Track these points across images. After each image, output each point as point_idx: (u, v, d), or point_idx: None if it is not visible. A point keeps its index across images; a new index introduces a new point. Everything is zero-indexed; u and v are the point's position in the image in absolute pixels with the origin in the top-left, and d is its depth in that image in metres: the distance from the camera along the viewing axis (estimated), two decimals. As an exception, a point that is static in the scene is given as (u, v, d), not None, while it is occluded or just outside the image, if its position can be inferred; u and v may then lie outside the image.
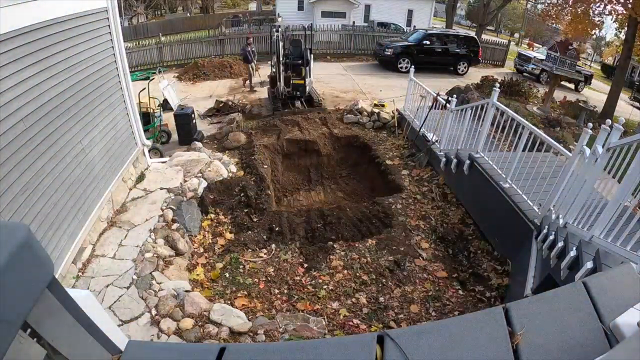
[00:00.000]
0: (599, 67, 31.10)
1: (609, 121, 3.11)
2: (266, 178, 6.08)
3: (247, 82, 11.13)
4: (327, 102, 9.44)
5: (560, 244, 3.16)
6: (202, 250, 4.38)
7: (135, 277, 3.60)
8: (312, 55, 8.73)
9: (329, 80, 12.37)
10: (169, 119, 8.12)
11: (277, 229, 4.76)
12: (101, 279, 3.55)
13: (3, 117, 2.79)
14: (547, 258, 3.40)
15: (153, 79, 8.82)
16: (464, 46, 14.38)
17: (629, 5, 10.63)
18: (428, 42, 13.88)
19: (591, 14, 12.57)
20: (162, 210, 4.55)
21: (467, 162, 5.05)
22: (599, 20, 12.96)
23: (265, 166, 6.49)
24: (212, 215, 4.93)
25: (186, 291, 3.55)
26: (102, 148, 4.29)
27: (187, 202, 4.82)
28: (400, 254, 4.33)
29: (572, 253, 2.94)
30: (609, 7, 12.13)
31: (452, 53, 14.18)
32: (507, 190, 4.27)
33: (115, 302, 3.33)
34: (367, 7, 22.01)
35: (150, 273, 3.67)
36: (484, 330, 0.71)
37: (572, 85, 15.64)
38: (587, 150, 3.22)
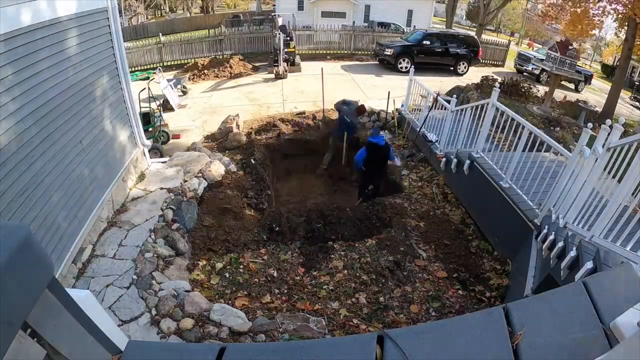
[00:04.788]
0: (599, 67, 31.10)
1: (609, 121, 3.11)
2: (266, 178, 6.08)
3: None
4: (326, 102, 9.44)
5: (560, 244, 3.16)
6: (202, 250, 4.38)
7: (135, 277, 3.60)
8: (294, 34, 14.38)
9: (329, 80, 12.36)
10: (169, 119, 8.14)
11: (277, 229, 4.75)
12: (101, 279, 3.55)
13: (3, 117, 2.79)
14: (547, 258, 3.40)
15: (153, 78, 8.83)
16: (464, 46, 14.37)
17: (629, 6, 10.62)
18: (428, 42, 13.88)
19: (591, 13, 12.55)
20: (162, 210, 4.55)
21: (467, 162, 5.05)
22: (598, 20, 12.96)
23: (265, 166, 6.49)
24: (212, 215, 4.93)
25: (186, 291, 3.55)
26: (102, 148, 4.29)
27: (187, 202, 4.82)
28: (400, 254, 4.33)
29: (572, 253, 2.94)
30: (609, 8, 12.12)
31: (452, 53, 14.18)
32: (507, 190, 4.27)
33: (115, 302, 3.33)
34: (367, 7, 22.02)
35: (150, 273, 3.67)
36: (484, 330, 0.71)
37: (572, 85, 15.64)
38: (587, 150, 3.22)
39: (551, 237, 3.36)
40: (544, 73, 14.42)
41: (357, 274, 4.06)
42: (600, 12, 12.34)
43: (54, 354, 0.62)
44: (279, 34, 11.90)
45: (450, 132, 5.99)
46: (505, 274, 4.08)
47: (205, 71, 12.41)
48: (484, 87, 10.47)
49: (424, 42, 13.85)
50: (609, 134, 2.99)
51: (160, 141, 7.15)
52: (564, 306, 0.75)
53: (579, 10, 12.49)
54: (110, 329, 0.80)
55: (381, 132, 7.54)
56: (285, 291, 3.83)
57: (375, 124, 8.28)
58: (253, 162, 6.24)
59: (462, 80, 12.71)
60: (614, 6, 11.94)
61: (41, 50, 3.24)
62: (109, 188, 4.38)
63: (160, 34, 16.22)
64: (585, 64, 26.24)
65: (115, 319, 3.14)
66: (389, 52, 13.83)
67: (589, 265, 2.70)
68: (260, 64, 13.93)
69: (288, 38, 13.08)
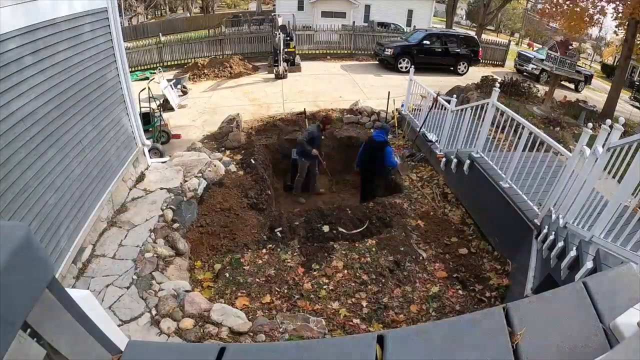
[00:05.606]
0: (599, 67, 31.10)
1: (609, 121, 3.11)
2: (266, 178, 6.08)
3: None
4: (326, 102, 9.45)
5: (560, 244, 3.17)
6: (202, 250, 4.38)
7: (135, 277, 3.60)
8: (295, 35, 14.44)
9: (329, 80, 12.37)
10: (169, 119, 8.13)
11: (277, 229, 4.75)
12: (101, 279, 3.55)
13: (3, 117, 2.79)
14: (547, 258, 3.41)
15: (153, 78, 8.83)
16: (464, 46, 14.37)
17: (629, 2, 10.58)
18: (428, 42, 13.88)
19: (590, 12, 12.50)
20: (162, 210, 4.55)
21: (467, 162, 5.05)
22: (597, 19, 12.91)
23: (265, 166, 6.49)
24: (212, 215, 4.92)
25: (186, 291, 3.55)
26: (102, 148, 4.29)
27: (187, 202, 4.82)
28: (400, 254, 4.33)
29: (572, 253, 2.94)
30: (609, 8, 12.09)
31: (452, 53, 14.17)
32: (507, 190, 4.27)
33: (115, 302, 3.33)
34: (367, 7, 21.99)
35: (150, 273, 3.67)
36: (484, 331, 0.71)
37: (572, 85, 15.65)
38: (587, 150, 3.22)
39: (551, 237, 3.36)
40: (544, 73, 14.42)
41: (357, 274, 4.06)
42: (598, 10, 12.30)
43: (54, 354, 0.62)
44: (279, 34, 11.91)
45: (450, 132, 5.99)
46: (505, 274, 4.08)
47: (205, 71, 12.42)
48: (484, 87, 10.47)
49: (424, 42, 13.85)
50: (609, 134, 2.99)
51: (160, 141, 7.14)
52: (564, 306, 0.75)
53: (577, 9, 12.44)
54: (110, 329, 0.80)
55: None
56: (285, 291, 3.83)
57: (375, 124, 8.28)
58: (253, 162, 6.24)
59: (462, 80, 12.70)
60: (613, 5, 11.92)
61: (41, 50, 3.24)
62: (109, 188, 4.38)
63: (160, 34, 16.22)
64: (585, 64, 26.23)
65: (115, 319, 3.14)
66: (388, 52, 13.83)
67: (589, 265, 2.70)
68: (260, 64, 13.93)
69: (288, 38, 13.06)
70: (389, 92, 8.30)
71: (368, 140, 5.85)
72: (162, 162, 5.83)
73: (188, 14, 35.68)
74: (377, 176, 6.01)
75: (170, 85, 9.41)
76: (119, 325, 3.05)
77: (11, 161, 2.86)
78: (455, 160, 5.40)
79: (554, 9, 13.54)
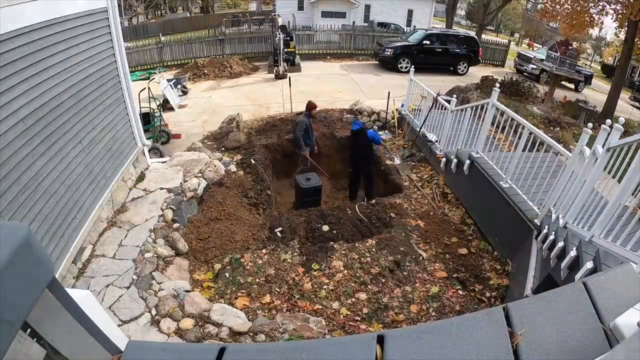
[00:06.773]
0: (599, 67, 31.11)
1: (609, 121, 3.11)
2: (266, 178, 6.08)
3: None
4: (327, 102, 9.45)
5: (560, 244, 3.16)
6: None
7: (135, 277, 3.60)
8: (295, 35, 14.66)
9: (329, 80, 12.37)
10: (169, 119, 8.14)
11: (277, 229, 4.75)
12: (101, 279, 3.55)
13: (3, 117, 2.79)
14: (547, 258, 3.40)
15: (153, 78, 8.83)
16: (464, 46, 14.36)
17: (627, 6, 10.58)
18: (428, 42, 13.87)
19: (591, 12, 12.49)
20: (162, 210, 4.56)
21: (467, 162, 5.05)
22: (598, 19, 12.90)
23: (265, 166, 6.49)
24: (212, 215, 4.92)
25: (186, 291, 3.55)
26: (102, 148, 4.30)
27: (187, 202, 4.82)
28: (400, 254, 4.33)
29: (572, 253, 2.94)
30: (608, 8, 12.08)
31: (452, 53, 14.17)
32: (507, 190, 4.27)
33: (115, 302, 3.33)
34: (367, 7, 22.00)
35: (150, 273, 3.67)
36: (484, 330, 0.71)
37: (572, 85, 15.64)
38: (587, 150, 3.22)
39: (551, 237, 3.36)
40: (544, 73, 14.41)
41: (357, 274, 4.06)
42: (599, 10, 12.30)
43: (54, 354, 0.62)
44: (279, 34, 11.92)
45: (450, 132, 5.99)
46: (505, 274, 4.08)
47: (205, 71, 12.42)
48: (484, 87, 10.47)
49: (424, 42, 13.84)
50: (608, 134, 2.99)
51: (160, 141, 7.14)
52: (564, 306, 0.75)
53: (578, 8, 12.42)
54: (110, 329, 0.80)
55: (380, 132, 7.56)
56: (285, 291, 3.83)
57: (375, 124, 8.28)
58: (253, 162, 6.24)
59: (462, 80, 12.70)
60: (613, 6, 11.90)
61: (41, 50, 3.24)
62: (109, 188, 4.38)
63: (160, 34, 16.22)
64: (586, 64, 26.23)
65: (115, 319, 3.14)
66: (388, 52, 13.82)
67: (589, 265, 2.70)
68: (260, 63, 13.93)
69: (288, 38, 13.06)
70: (389, 92, 8.29)
71: (350, 136, 6.21)
72: (162, 162, 5.83)
73: (188, 14, 35.67)
74: (370, 162, 6.19)
75: (170, 85, 9.41)
76: (119, 325, 3.05)
77: (11, 161, 2.86)
78: (455, 160, 5.40)
79: (555, 7, 13.51)
